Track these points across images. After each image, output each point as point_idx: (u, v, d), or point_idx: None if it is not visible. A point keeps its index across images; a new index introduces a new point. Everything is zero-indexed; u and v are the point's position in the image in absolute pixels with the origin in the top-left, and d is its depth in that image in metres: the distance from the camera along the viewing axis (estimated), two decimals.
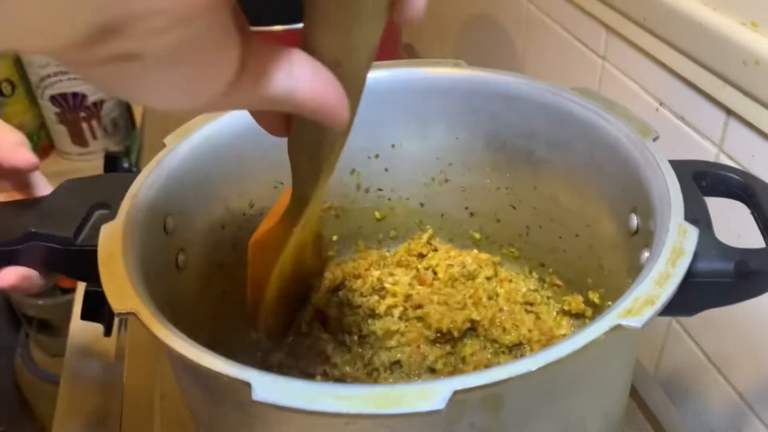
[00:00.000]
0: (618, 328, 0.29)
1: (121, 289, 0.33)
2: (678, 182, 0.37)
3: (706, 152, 0.54)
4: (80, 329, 0.65)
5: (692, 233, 0.34)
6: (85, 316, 0.55)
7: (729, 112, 0.51)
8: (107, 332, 0.57)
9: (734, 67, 0.48)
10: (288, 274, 0.44)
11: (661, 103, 0.59)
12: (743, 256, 0.35)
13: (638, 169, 0.40)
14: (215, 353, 0.30)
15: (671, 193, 0.37)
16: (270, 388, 0.27)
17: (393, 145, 0.54)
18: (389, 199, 0.57)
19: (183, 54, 0.20)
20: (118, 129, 1.40)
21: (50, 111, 1.35)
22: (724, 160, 0.52)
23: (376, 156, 0.54)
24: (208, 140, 0.47)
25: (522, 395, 0.31)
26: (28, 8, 0.17)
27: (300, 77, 0.25)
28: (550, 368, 0.27)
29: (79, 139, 1.35)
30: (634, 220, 0.41)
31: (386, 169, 0.55)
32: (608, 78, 0.66)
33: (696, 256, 0.34)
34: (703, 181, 0.40)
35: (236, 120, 0.48)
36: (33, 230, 0.39)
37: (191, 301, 0.45)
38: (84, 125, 1.36)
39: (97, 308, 0.55)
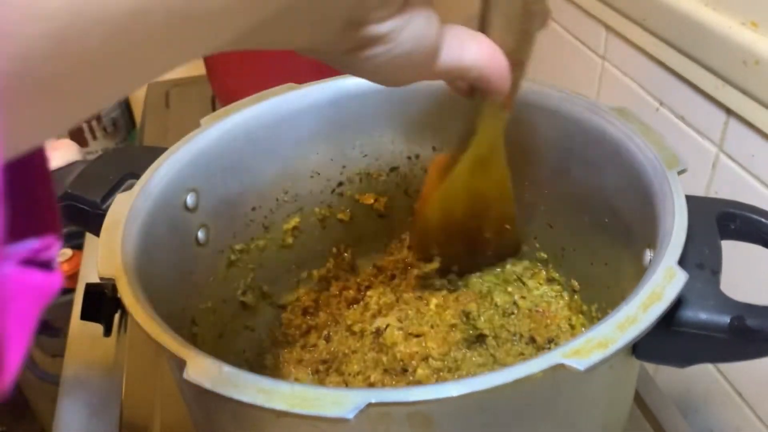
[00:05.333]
0: (560, 367, 0.27)
1: (111, 256, 0.36)
2: (687, 221, 0.34)
3: (707, 152, 0.54)
4: (80, 329, 0.65)
5: (679, 279, 0.31)
6: (84, 316, 0.55)
7: (729, 111, 0.51)
8: (107, 332, 0.57)
9: (734, 66, 0.48)
10: (458, 204, 0.48)
11: (661, 103, 0.59)
12: (742, 311, 0.32)
13: (654, 203, 0.38)
14: (175, 331, 0.31)
15: (674, 231, 0.34)
16: (202, 370, 0.28)
17: (434, 148, 0.54)
18: None
19: (407, 37, 0.29)
20: (118, 129, 1.40)
21: None
22: (724, 160, 0.52)
23: (417, 156, 0.55)
24: (244, 124, 0.48)
25: (454, 419, 0.30)
26: (302, 24, 0.26)
27: (484, 51, 0.33)
28: (478, 396, 0.27)
29: (78, 138, 1.35)
30: (648, 256, 0.38)
31: (425, 171, 0.55)
32: (608, 78, 0.66)
33: (688, 305, 0.32)
34: (732, 223, 0.37)
35: (274, 108, 0.49)
36: (69, 191, 0.44)
37: (210, 276, 0.48)
38: (84, 125, 1.36)
39: (96, 308, 0.55)
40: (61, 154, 0.46)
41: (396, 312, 0.52)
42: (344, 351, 0.50)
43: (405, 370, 0.47)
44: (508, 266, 0.55)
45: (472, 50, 0.33)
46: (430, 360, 0.47)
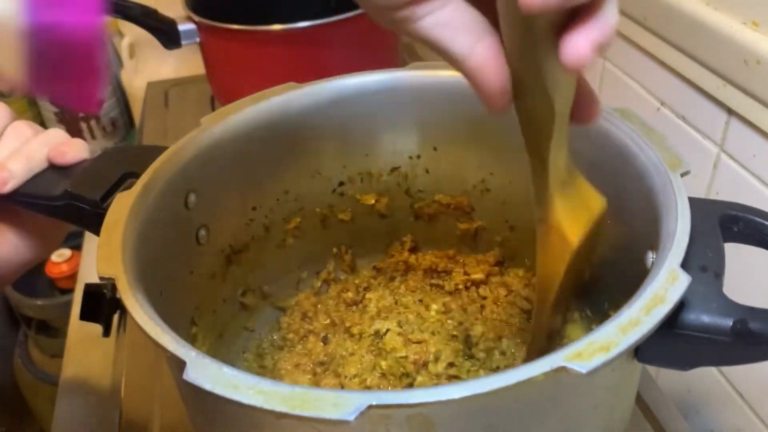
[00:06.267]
0: (561, 370, 0.27)
1: (111, 256, 0.36)
2: (690, 223, 0.34)
3: (708, 152, 0.54)
4: (79, 330, 0.65)
5: (682, 282, 0.31)
6: (84, 317, 0.55)
7: (730, 111, 0.51)
8: (106, 333, 0.57)
9: (735, 66, 0.48)
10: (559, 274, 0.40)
11: (662, 103, 0.59)
12: (746, 314, 0.32)
13: (657, 205, 0.37)
14: (174, 331, 0.31)
15: (677, 234, 0.34)
16: (202, 371, 0.28)
17: (435, 148, 0.54)
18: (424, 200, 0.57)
19: None
20: (117, 129, 1.40)
21: (49, 111, 1.34)
22: (726, 160, 0.52)
23: (418, 156, 0.54)
24: (244, 124, 0.48)
25: (455, 421, 0.30)
26: None
27: (480, 52, 0.30)
28: (480, 399, 0.26)
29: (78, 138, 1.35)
30: (650, 258, 0.38)
31: (427, 171, 0.55)
32: (609, 78, 0.66)
33: (690, 308, 0.32)
34: (735, 226, 0.37)
35: (275, 108, 0.49)
36: (69, 190, 0.43)
37: (209, 276, 0.48)
38: (83, 125, 1.36)
39: (95, 309, 0.55)
40: (73, 151, 0.46)
41: (395, 315, 0.52)
42: (342, 353, 0.50)
43: (404, 375, 0.47)
44: (507, 278, 0.55)
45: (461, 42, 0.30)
46: (430, 366, 0.47)
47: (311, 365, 0.50)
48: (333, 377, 0.49)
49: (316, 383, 0.49)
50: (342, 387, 0.47)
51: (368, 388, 0.47)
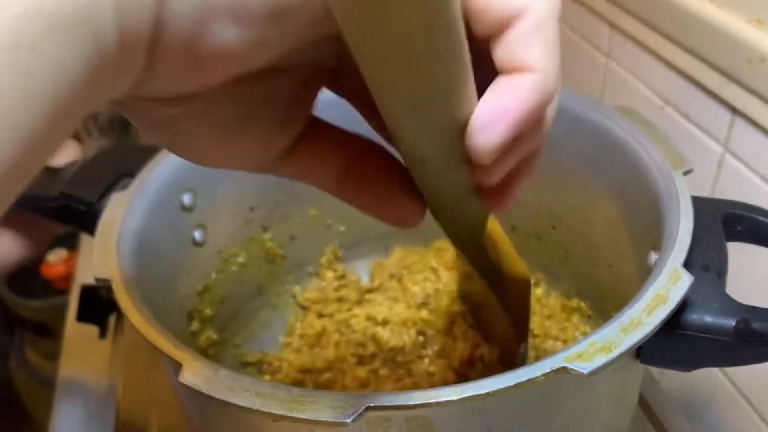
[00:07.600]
0: (562, 371, 0.27)
1: (107, 257, 0.36)
2: (692, 223, 0.34)
3: (712, 151, 0.53)
4: (75, 331, 0.65)
5: (684, 281, 0.31)
6: (80, 318, 0.54)
7: (734, 110, 0.50)
8: (102, 334, 0.56)
9: (740, 65, 0.48)
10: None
11: (666, 102, 0.58)
12: (748, 314, 0.32)
13: (659, 204, 0.37)
14: (170, 333, 0.31)
15: (680, 233, 0.33)
16: (198, 373, 0.28)
17: None
18: None
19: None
20: (114, 128, 1.40)
21: None
22: (730, 160, 0.52)
23: None
24: None
25: (455, 423, 0.30)
26: None
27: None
28: (479, 400, 0.26)
29: (75, 137, 1.35)
30: (652, 258, 0.37)
31: None
32: (612, 76, 0.66)
33: (693, 308, 0.31)
34: (737, 225, 0.37)
35: None
36: (65, 191, 0.43)
37: (207, 277, 0.48)
38: (80, 124, 1.36)
39: (92, 310, 0.55)
40: (63, 153, 0.46)
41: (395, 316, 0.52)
42: (336, 339, 0.50)
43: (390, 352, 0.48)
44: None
45: None
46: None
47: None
48: (308, 349, 0.49)
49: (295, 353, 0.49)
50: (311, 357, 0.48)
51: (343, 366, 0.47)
